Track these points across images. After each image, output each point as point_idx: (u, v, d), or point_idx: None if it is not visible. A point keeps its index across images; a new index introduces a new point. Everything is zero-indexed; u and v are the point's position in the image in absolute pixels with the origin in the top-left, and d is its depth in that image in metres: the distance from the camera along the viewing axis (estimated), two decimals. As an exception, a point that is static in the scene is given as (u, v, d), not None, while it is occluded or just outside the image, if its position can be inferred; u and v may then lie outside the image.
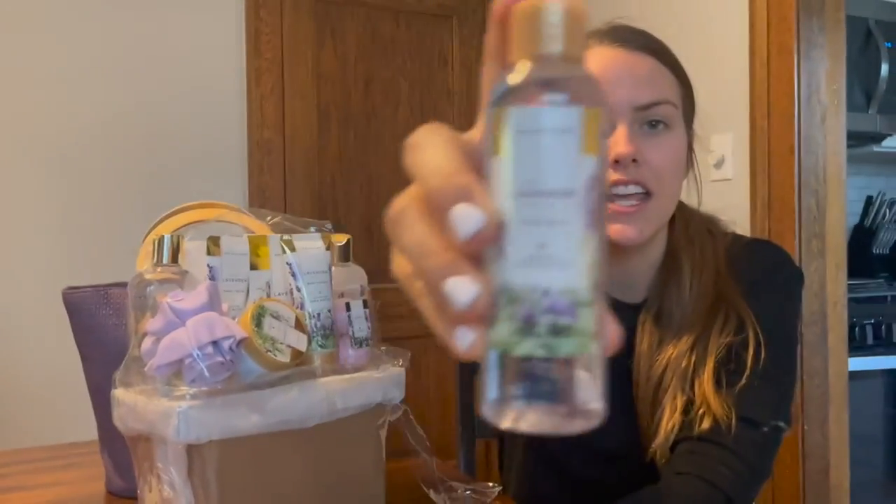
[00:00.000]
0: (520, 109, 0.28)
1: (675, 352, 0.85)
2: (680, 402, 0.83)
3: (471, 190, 0.28)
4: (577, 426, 0.29)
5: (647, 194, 0.84)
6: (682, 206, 0.95)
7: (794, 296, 0.93)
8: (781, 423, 0.83)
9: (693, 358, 0.84)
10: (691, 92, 0.91)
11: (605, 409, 0.30)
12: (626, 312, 0.92)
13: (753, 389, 0.83)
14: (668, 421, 0.83)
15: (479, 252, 0.28)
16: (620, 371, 0.90)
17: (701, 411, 0.82)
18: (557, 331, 0.28)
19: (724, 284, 0.88)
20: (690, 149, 0.92)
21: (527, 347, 0.28)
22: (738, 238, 0.96)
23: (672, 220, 0.94)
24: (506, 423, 0.29)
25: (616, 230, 0.84)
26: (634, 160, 0.82)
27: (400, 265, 0.33)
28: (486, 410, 0.29)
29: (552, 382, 0.28)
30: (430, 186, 0.29)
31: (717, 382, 0.83)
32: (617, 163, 0.82)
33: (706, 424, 0.81)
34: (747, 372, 0.83)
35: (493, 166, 0.29)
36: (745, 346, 0.84)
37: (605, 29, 0.88)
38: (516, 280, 0.28)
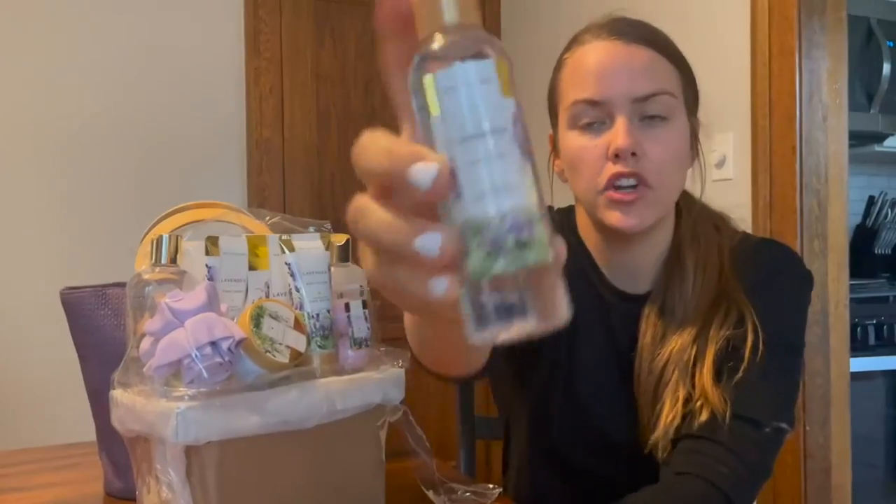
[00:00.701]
0: (445, 71, 0.32)
1: (676, 346, 0.85)
2: (681, 395, 0.83)
3: (418, 151, 0.32)
4: (552, 324, 0.33)
5: (647, 186, 0.84)
6: (690, 202, 0.95)
7: (800, 298, 0.92)
8: (783, 424, 0.83)
9: (694, 351, 0.84)
10: (693, 81, 0.90)
11: (571, 308, 0.34)
12: (631, 303, 0.92)
13: (756, 389, 0.83)
14: (668, 413, 0.83)
15: (439, 202, 0.32)
16: (624, 363, 0.90)
17: (699, 403, 0.82)
18: (522, 245, 0.32)
19: (727, 282, 0.88)
20: (695, 138, 0.91)
21: (500, 266, 0.32)
22: (747, 237, 0.95)
23: (679, 214, 0.93)
24: (498, 339, 0.33)
25: (616, 218, 0.84)
26: (634, 153, 0.82)
27: (366, 260, 0.36)
28: (476, 339, 0.33)
29: (525, 292, 0.32)
30: (384, 165, 0.32)
31: (717, 375, 0.83)
32: (617, 156, 0.82)
33: (704, 416, 0.81)
34: (744, 365, 0.83)
35: (430, 125, 0.33)
36: (744, 338, 0.84)
37: (603, 22, 0.88)
38: (477, 213, 0.32)
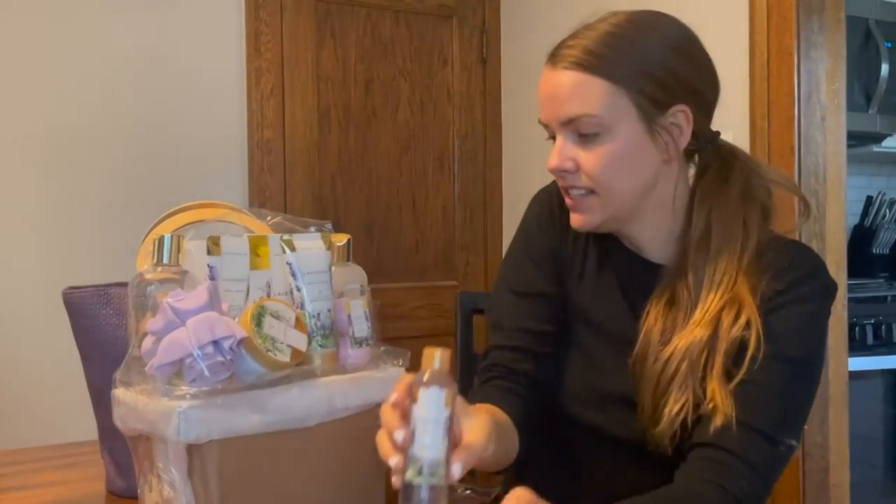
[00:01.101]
0: (422, 392, 0.66)
1: (683, 342, 0.85)
2: (690, 394, 0.84)
3: (398, 426, 0.68)
4: None
5: (590, 192, 0.89)
6: (718, 189, 0.91)
7: (819, 310, 0.89)
8: (794, 442, 0.84)
9: (705, 352, 0.85)
10: (652, 77, 0.86)
11: None
12: (644, 266, 0.94)
13: (774, 404, 0.84)
14: (673, 407, 0.84)
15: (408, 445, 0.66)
16: (627, 323, 0.91)
17: (711, 405, 0.83)
18: (432, 473, 0.64)
19: (742, 286, 0.86)
20: (664, 132, 0.87)
21: (420, 480, 0.65)
22: (775, 239, 0.91)
23: (693, 201, 0.91)
24: None
25: (571, 218, 0.92)
26: (566, 170, 0.88)
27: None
28: None
29: (428, 496, 0.65)
30: (388, 430, 0.69)
31: (727, 377, 0.84)
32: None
33: (719, 422, 0.82)
34: (753, 370, 0.83)
35: (413, 411, 0.66)
36: (750, 343, 0.84)
37: (556, 42, 0.90)
38: (416, 454, 0.65)
